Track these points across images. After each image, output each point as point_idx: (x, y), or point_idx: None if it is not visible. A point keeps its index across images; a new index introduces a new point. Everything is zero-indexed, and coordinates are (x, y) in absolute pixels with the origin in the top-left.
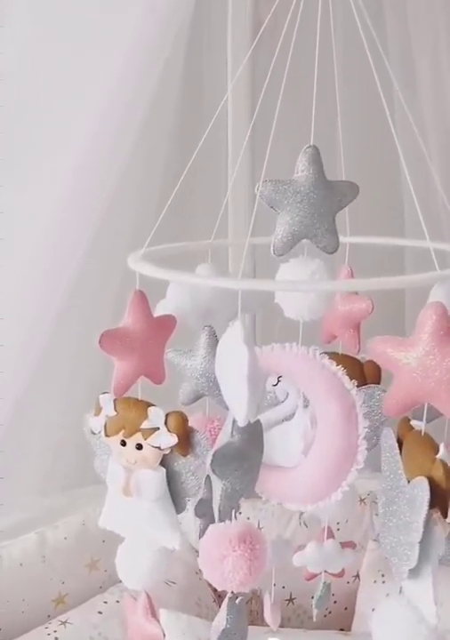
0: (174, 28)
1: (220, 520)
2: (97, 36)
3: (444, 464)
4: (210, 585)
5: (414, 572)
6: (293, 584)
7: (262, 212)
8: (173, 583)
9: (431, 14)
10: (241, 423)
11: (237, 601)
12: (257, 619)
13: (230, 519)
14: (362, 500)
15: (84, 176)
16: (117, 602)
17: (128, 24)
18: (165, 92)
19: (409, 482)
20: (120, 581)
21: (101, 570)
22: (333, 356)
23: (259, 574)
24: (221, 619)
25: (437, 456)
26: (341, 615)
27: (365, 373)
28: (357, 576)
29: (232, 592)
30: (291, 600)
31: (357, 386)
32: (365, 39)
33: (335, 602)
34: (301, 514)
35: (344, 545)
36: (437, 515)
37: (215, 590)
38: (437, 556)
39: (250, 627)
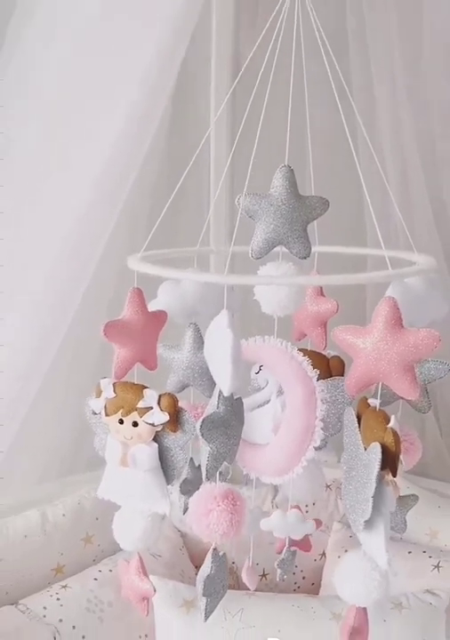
0: (170, 72)
1: (207, 479)
2: (111, 78)
3: (394, 431)
4: (192, 560)
5: (369, 524)
6: (266, 562)
7: (241, 226)
8: (159, 556)
9: (388, 55)
10: (226, 393)
11: (220, 553)
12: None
13: (215, 480)
14: (328, 487)
15: (91, 206)
16: (110, 571)
17: (136, 67)
18: (158, 122)
19: (366, 450)
20: (112, 554)
21: (95, 544)
22: (303, 351)
23: (239, 527)
24: (206, 567)
25: (389, 425)
26: (309, 589)
27: (330, 367)
28: (324, 554)
29: (215, 546)
30: (264, 575)
31: (323, 378)
32: (331, 76)
33: (304, 577)
34: (274, 497)
35: (314, 522)
36: (388, 477)
37: (197, 566)
38: (388, 512)
39: (230, 591)
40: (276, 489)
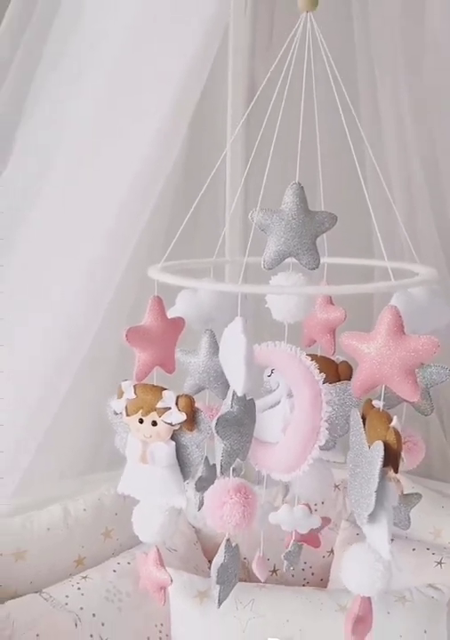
0: (192, 100)
1: (222, 474)
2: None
3: (395, 430)
4: (205, 554)
5: (372, 518)
6: (276, 557)
7: (254, 239)
8: (175, 551)
9: (396, 86)
10: (240, 394)
11: (233, 544)
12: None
13: (229, 475)
14: (337, 487)
15: (118, 222)
16: (128, 563)
17: (161, 98)
18: (178, 141)
19: (370, 448)
20: (130, 548)
21: (114, 538)
22: (312, 357)
23: (251, 519)
24: (220, 557)
25: (391, 425)
26: (318, 585)
27: (339, 372)
28: (332, 551)
29: (228, 537)
30: (274, 571)
31: (332, 382)
32: (339, 102)
33: (313, 573)
34: (285, 495)
35: (322, 520)
36: (391, 474)
37: (210, 560)
38: (391, 506)
39: (242, 583)
40: (286, 488)
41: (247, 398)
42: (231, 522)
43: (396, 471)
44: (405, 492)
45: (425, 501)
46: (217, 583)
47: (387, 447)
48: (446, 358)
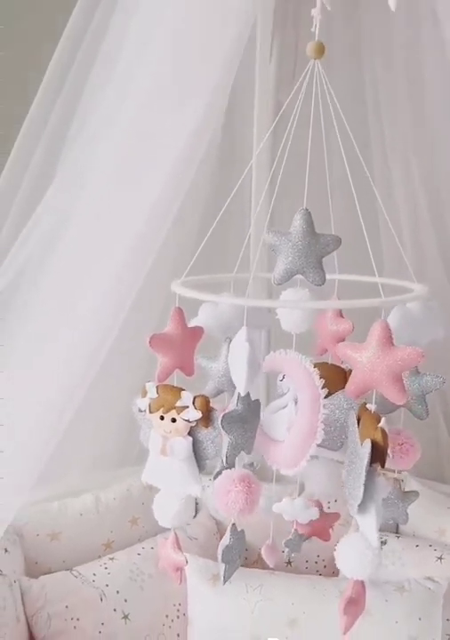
0: (217, 111)
1: (227, 464)
2: (160, 129)
3: (382, 430)
4: None
5: (362, 508)
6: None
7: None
8: (195, 539)
9: (402, 126)
10: (242, 393)
11: (238, 528)
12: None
13: (234, 466)
14: None
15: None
16: (152, 548)
17: (186, 125)
18: (206, 159)
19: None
20: (154, 535)
21: (140, 525)
22: (323, 364)
23: (253, 506)
24: (226, 539)
25: (379, 425)
26: (329, 576)
27: (347, 378)
28: None
29: (234, 521)
30: (289, 562)
31: (341, 387)
32: (350, 131)
33: (325, 566)
34: (300, 493)
35: (331, 515)
36: (381, 469)
37: None
38: (380, 498)
39: (253, 568)
40: (302, 485)
41: (253, 399)
42: (235, 508)
43: (382, 466)
44: (405, 490)
45: (433, 503)
46: (222, 562)
47: (374, 444)
48: (443, 367)
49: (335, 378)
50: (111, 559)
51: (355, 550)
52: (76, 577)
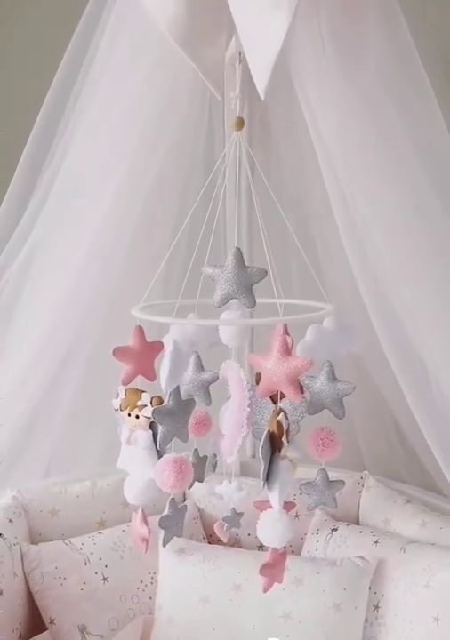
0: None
1: (161, 449)
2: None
3: (278, 422)
4: (204, 529)
5: (270, 486)
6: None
7: None
8: None
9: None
10: (164, 391)
11: (176, 502)
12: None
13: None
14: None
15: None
16: None
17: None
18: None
19: None
20: None
21: (130, 508)
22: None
23: (184, 484)
24: (166, 510)
25: (277, 419)
26: None
27: None
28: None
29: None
30: (260, 547)
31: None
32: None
33: (293, 551)
34: None
35: (287, 505)
36: (284, 454)
37: (210, 535)
38: (285, 478)
39: (212, 545)
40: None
41: (185, 398)
42: (168, 483)
43: (279, 451)
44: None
45: (382, 497)
46: (160, 527)
47: (272, 434)
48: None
49: None
50: (99, 534)
51: (269, 523)
52: (66, 545)
